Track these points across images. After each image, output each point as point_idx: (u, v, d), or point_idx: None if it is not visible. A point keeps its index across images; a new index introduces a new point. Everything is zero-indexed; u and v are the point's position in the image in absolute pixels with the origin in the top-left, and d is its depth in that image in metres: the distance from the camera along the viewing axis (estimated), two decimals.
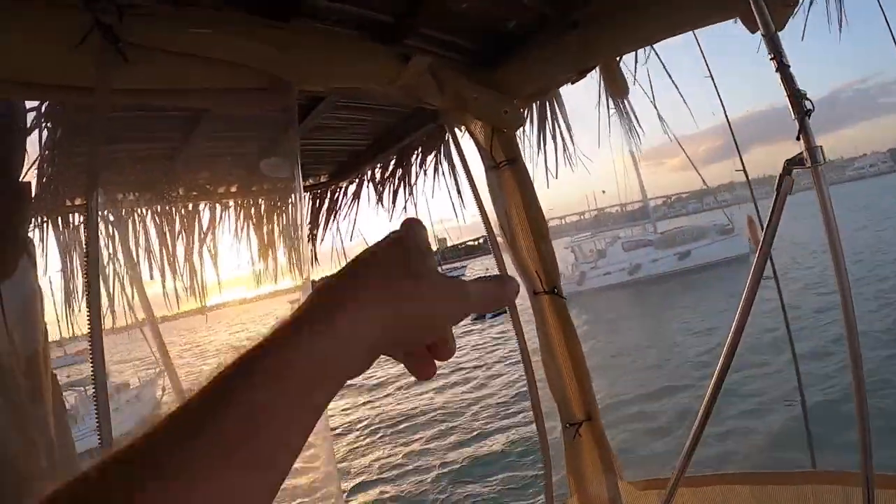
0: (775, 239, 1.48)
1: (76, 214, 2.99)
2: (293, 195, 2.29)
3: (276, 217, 3.53)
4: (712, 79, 4.44)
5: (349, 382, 0.55)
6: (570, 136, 2.94)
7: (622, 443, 12.03)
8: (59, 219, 2.98)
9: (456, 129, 2.71)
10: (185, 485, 0.37)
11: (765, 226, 1.47)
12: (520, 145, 2.60)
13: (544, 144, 2.91)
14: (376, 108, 2.98)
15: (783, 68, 1.33)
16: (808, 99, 1.32)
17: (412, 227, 0.63)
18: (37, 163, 2.33)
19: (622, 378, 16.11)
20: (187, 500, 0.37)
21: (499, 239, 2.69)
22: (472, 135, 2.54)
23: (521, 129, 2.68)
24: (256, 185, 3.46)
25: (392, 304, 0.53)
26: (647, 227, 42.81)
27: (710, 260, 35.46)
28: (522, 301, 2.46)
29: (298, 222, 2.61)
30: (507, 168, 2.51)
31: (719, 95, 4.23)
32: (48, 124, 2.13)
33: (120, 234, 3.16)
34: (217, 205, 3.50)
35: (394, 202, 3.79)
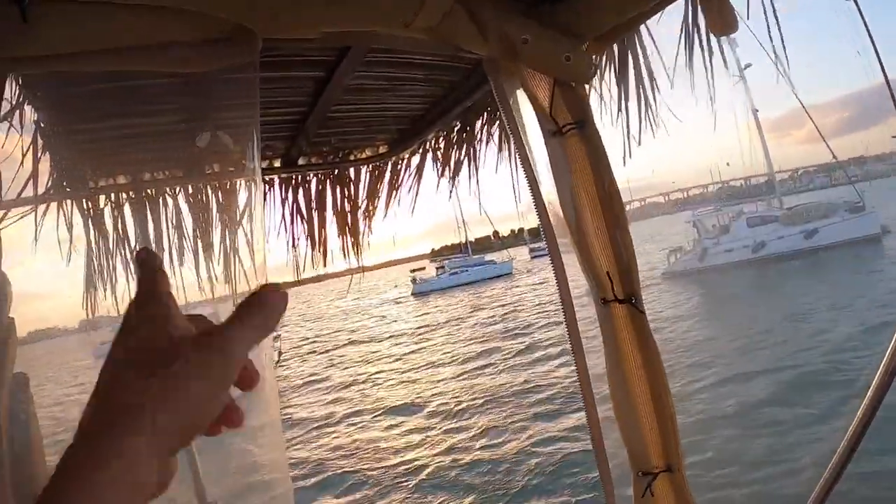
0: None
1: (104, 196, 2.75)
2: (247, 178, 1.83)
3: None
4: (870, 35, 3.61)
5: None
6: (655, 90, 2.26)
7: None
8: (85, 203, 2.72)
9: (507, 85, 2.10)
10: None
11: None
12: (592, 104, 1.97)
13: (625, 102, 2.26)
14: (431, 64, 2.46)
15: None
16: None
17: (145, 291, 0.59)
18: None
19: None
20: None
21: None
22: (527, 91, 1.93)
23: (594, 82, 2.07)
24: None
25: (153, 450, 0.51)
26: (773, 202, 40.71)
27: (838, 240, 33.60)
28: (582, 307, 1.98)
29: (251, 211, 2.11)
30: (573, 133, 1.89)
31: (878, 54, 3.40)
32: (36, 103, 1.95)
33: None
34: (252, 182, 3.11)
35: (453, 177, 3.28)
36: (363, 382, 27.25)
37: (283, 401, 25.37)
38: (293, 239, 3.40)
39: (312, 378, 30.95)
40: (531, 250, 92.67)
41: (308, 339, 50.01)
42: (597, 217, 1.91)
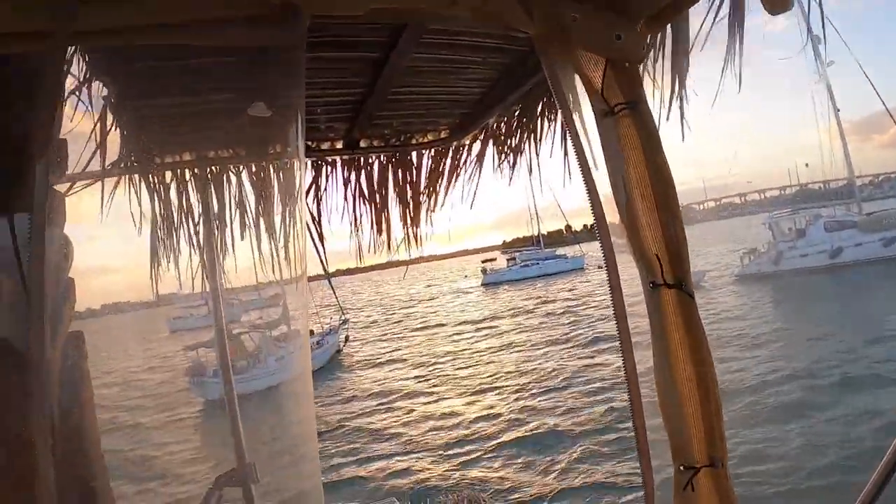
0: None
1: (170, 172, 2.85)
2: (291, 157, 1.86)
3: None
4: None
5: None
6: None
7: None
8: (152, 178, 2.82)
9: (559, 66, 2.06)
10: None
11: None
12: (644, 85, 1.91)
13: (680, 85, 2.18)
14: (487, 46, 2.45)
15: None
16: None
17: None
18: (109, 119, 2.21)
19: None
20: None
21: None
22: (578, 71, 1.89)
23: (647, 62, 2.01)
24: None
25: None
26: (852, 207, 38.91)
27: None
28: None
29: (296, 191, 2.13)
30: (625, 114, 1.85)
31: None
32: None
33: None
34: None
35: (513, 163, 3.26)
36: (432, 365, 27.54)
37: (356, 376, 25.97)
38: (356, 221, 3.46)
39: (378, 357, 31.48)
40: None
41: (377, 322, 50.78)
42: (647, 199, 1.87)
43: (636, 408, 1.98)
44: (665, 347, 1.86)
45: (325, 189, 3.28)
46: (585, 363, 22.05)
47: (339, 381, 27.56)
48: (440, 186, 3.52)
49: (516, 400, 18.94)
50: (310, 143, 3.09)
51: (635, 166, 1.88)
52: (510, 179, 3.30)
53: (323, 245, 3.22)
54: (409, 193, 3.50)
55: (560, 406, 17.41)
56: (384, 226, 3.49)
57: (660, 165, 1.88)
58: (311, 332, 32.09)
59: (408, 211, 3.52)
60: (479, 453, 14.71)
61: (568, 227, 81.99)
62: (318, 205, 3.25)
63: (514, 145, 3.24)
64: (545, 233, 78.01)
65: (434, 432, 17.14)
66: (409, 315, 52.85)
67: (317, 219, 3.23)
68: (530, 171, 3.24)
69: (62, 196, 1.81)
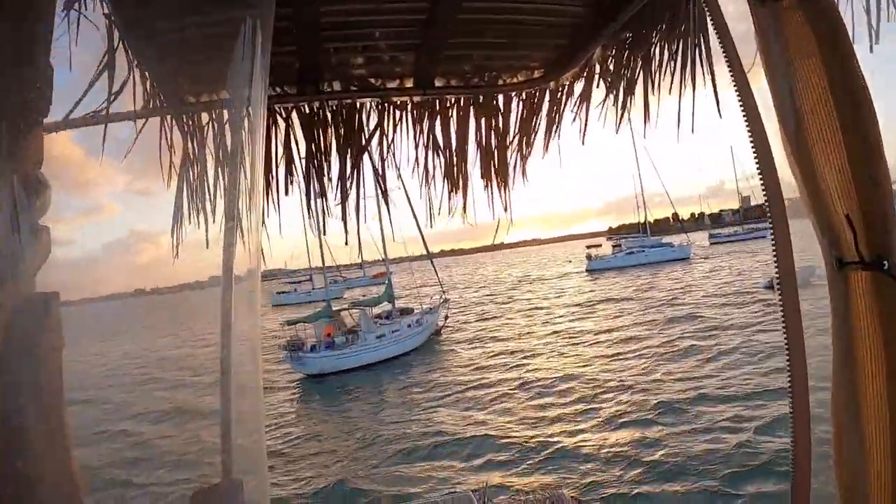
0: None
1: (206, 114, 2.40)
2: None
3: None
4: None
5: None
6: None
7: None
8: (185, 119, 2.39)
9: None
10: None
11: None
12: None
13: None
14: None
15: None
16: None
17: None
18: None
19: None
20: None
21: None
22: None
23: None
24: None
25: None
26: None
27: None
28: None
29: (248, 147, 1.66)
30: (794, 7, 1.21)
31: None
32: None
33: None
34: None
35: (624, 106, 2.60)
36: (528, 348, 27.09)
37: (454, 354, 25.81)
38: (427, 177, 2.84)
39: (477, 337, 31.27)
40: (711, 236, 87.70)
41: (479, 303, 50.82)
42: (830, 131, 1.23)
43: (801, 428, 1.31)
44: (850, 343, 1.23)
45: (392, 138, 2.69)
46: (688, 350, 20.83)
47: (433, 359, 27.46)
48: (533, 137, 2.86)
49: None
50: (372, 79, 2.55)
51: (811, 79, 1.24)
52: (618, 126, 2.63)
53: (386, 199, 2.67)
54: (495, 145, 2.85)
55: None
56: (461, 183, 2.85)
57: (850, 78, 1.23)
58: (411, 311, 32.22)
59: (492, 167, 2.87)
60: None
61: (675, 215, 79.41)
62: (383, 156, 2.67)
63: (624, 86, 2.58)
64: (651, 220, 75.87)
65: (526, 405, 16.58)
66: (509, 297, 52.61)
67: (381, 172, 2.66)
68: (646, 117, 2.57)
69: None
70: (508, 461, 13.28)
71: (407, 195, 2.83)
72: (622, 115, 2.60)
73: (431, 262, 32.38)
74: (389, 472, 13.75)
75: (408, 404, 19.88)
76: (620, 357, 22.43)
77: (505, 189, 2.92)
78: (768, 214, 1.34)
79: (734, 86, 1.38)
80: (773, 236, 1.32)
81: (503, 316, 39.64)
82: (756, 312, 26.91)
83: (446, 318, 33.26)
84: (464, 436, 15.36)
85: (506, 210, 2.94)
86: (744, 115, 1.37)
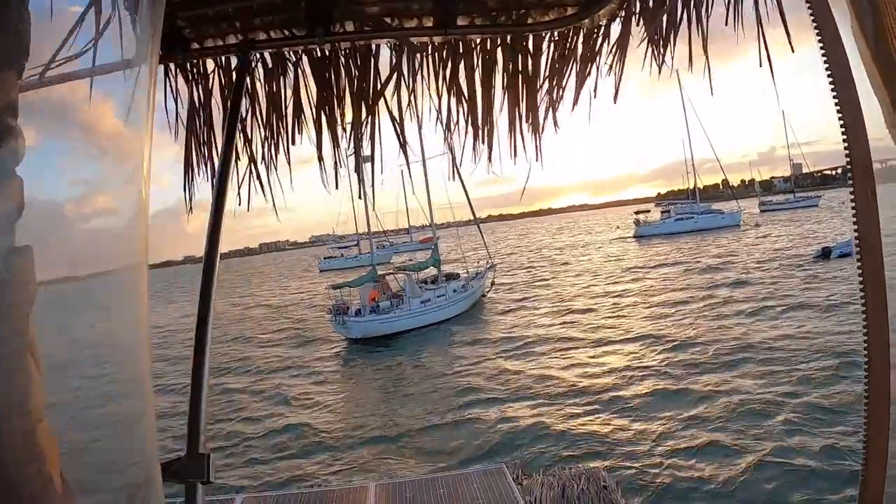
0: None
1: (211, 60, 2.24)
2: None
3: None
4: None
5: None
6: None
7: None
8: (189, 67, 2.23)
9: None
10: None
11: None
12: None
13: None
14: None
15: None
16: None
17: None
18: None
19: None
20: None
21: None
22: None
23: None
24: None
25: None
26: None
27: None
28: None
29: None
30: None
31: None
32: None
33: None
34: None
35: (662, 47, 2.32)
36: (576, 311, 26.99)
37: (499, 321, 25.75)
38: (449, 125, 2.59)
39: (523, 303, 31.25)
40: (761, 203, 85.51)
41: (526, 267, 50.78)
42: None
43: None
44: None
45: (412, 83, 2.46)
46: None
47: (478, 324, 27.46)
48: (566, 82, 2.58)
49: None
50: (388, 18, 2.33)
51: None
52: (660, 68, 2.35)
53: (406, 149, 2.45)
54: (524, 92, 2.59)
55: None
56: (487, 132, 2.60)
57: None
58: (457, 276, 32.18)
59: (521, 114, 2.61)
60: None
61: (725, 181, 77.26)
62: (401, 103, 2.44)
63: (667, 25, 2.30)
64: (701, 186, 74.32)
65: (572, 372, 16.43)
66: (556, 262, 52.42)
67: (399, 121, 2.44)
68: (690, 66, 2.29)
69: None
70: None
71: (453, 155, 2.58)
72: (662, 59, 2.33)
73: (478, 226, 32.13)
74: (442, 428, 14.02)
75: (449, 369, 19.97)
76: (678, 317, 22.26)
77: (536, 138, 2.66)
78: (850, 183, 1.12)
79: (819, 39, 1.15)
80: (854, 207, 1.11)
81: (552, 280, 39.50)
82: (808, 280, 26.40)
83: (493, 283, 33.12)
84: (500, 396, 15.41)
85: (537, 159, 2.68)
86: (829, 73, 1.14)
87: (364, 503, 4.80)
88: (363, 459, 13.04)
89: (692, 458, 10.61)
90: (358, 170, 2.41)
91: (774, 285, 26.63)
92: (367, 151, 2.42)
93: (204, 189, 2.41)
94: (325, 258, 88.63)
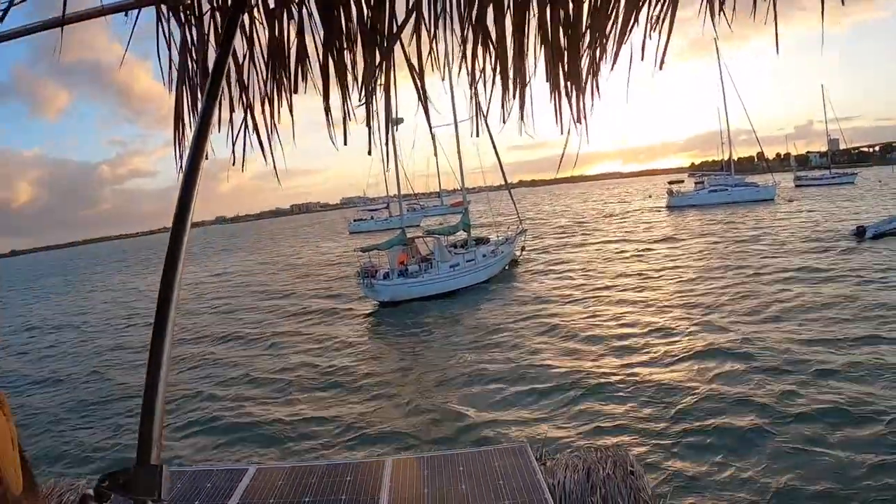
0: None
1: None
2: None
3: None
4: None
5: None
6: None
7: None
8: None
9: None
10: None
11: None
12: None
13: None
14: None
15: None
16: None
17: None
18: None
19: None
20: None
21: None
22: None
23: None
24: None
25: None
26: None
27: None
28: None
29: None
30: None
31: None
32: None
33: None
34: None
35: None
36: (607, 278, 26.81)
37: (527, 285, 25.60)
38: (474, 78, 2.26)
39: (553, 269, 31.10)
40: (797, 178, 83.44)
41: (557, 233, 50.63)
42: None
43: None
44: None
45: (434, 32, 2.13)
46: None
47: (507, 290, 27.34)
48: (608, 32, 2.23)
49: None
50: None
51: None
52: (714, 24, 1.99)
53: (426, 104, 2.13)
54: (564, 40, 2.24)
55: None
56: (519, 85, 2.25)
57: None
58: (487, 241, 31.93)
59: (559, 66, 2.26)
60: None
61: (760, 154, 75.18)
62: (420, 48, 2.11)
63: None
64: (735, 159, 72.71)
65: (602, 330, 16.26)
66: (588, 230, 52.06)
67: (418, 69, 2.12)
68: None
69: None
70: None
71: (478, 108, 2.25)
72: (721, 9, 1.97)
73: (509, 191, 31.78)
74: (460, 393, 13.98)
75: (476, 334, 19.85)
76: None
77: (577, 96, 2.31)
78: None
79: None
80: None
81: (582, 248, 39.23)
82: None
83: (523, 249, 32.83)
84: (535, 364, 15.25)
85: (577, 122, 2.33)
86: None
87: (380, 477, 4.62)
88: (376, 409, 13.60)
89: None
90: (369, 124, 2.12)
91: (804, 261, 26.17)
92: (381, 106, 2.12)
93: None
94: (354, 220, 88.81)
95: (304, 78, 2.10)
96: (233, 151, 2.13)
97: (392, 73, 2.09)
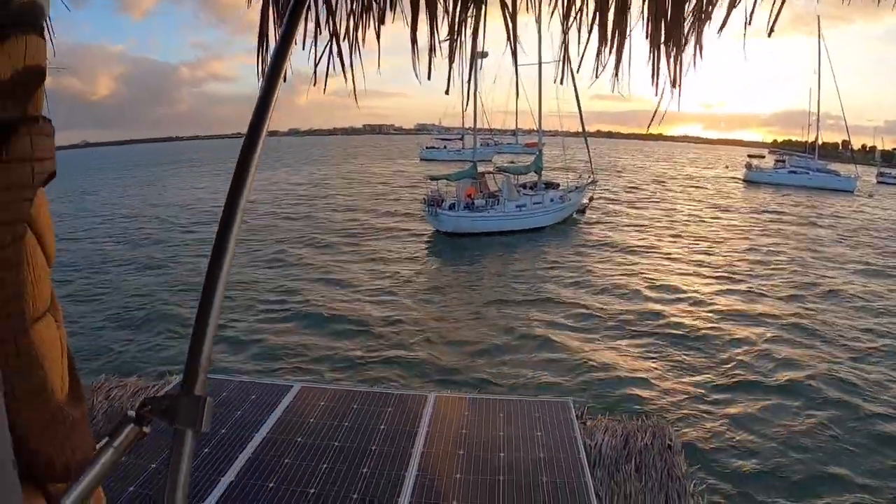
0: None
1: None
2: None
3: None
4: None
5: None
6: None
7: None
8: None
9: None
10: None
11: None
12: None
13: None
14: None
15: None
16: None
17: None
18: None
19: None
20: None
21: None
22: None
23: None
24: None
25: None
26: None
27: None
28: None
29: None
30: None
31: None
32: None
33: None
34: None
35: None
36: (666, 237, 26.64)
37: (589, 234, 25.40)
38: (569, 19, 2.09)
39: (618, 224, 30.87)
40: (879, 174, 77.66)
41: (628, 188, 49.78)
42: None
43: None
44: None
45: None
46: None
47: (569, 236, 27.24)
48: None
49: None
50: None
51: None
52: None
53: (514, 44, 1.98)
54: (667, 3, 2.05)
55: None
56: (616, 38, 2.09)
57: None
58: (557, 186, 31.34)
59: (662, 25, 2.08)
60: None
61: (846, 142, 70.14)
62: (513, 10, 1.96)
63: None
64: (819, 143, 68.43)
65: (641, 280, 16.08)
66: (661, 188, 50.90)
67: (510, 9, 1.98)
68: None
69: None
70: None
71: (568, 58, 2.10)
72: None
73: (585, 140, 30.91)
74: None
75: (531, 274, 19.92)
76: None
77: (676, 59, 2.13)
78: None
79: None
80: None
81: (652, 206, 38.43)
82: None
83: (591, 199, 32.18)
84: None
85: (673, 86, 2.16)
86: None
87: (421, 410, 4.67)
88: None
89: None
90: (451, 59, 2.00)
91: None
92: (468, 42, 2.01)
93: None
94: (426, 147, 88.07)
95: (393, 8, 2.00)
96: (314, 72, 2.06)
97: (483, 7, 1.96)
